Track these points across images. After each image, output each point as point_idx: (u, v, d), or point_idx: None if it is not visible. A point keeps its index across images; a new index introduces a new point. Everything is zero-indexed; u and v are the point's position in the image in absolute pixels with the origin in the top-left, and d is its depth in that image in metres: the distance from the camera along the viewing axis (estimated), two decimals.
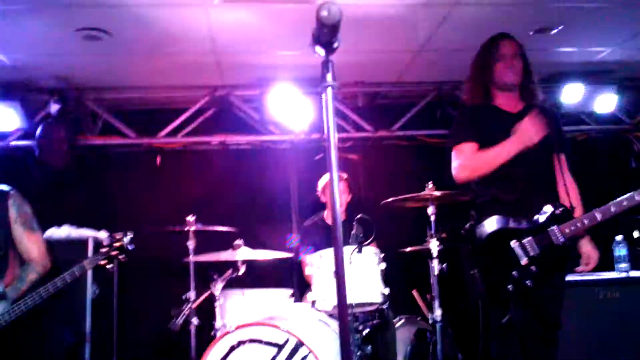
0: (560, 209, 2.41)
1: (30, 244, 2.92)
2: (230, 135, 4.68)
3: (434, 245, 3.34)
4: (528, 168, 2.50)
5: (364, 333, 3.26)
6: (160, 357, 4.37)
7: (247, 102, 4.66)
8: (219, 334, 3.38)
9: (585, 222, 2.32)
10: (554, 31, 3.80)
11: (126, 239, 2.83)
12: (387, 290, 3.13)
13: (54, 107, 4.26)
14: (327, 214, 4.33)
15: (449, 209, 3.57)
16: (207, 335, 3.59)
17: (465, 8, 3.45)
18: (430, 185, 3.40)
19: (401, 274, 3.93)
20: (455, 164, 2.62)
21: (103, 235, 4.08)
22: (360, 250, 2.97)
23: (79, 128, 4.49)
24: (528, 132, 2.43)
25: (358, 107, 4.64)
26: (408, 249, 3.79)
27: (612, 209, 2.28)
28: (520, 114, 2.55)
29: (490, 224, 2.45)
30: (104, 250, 2.82)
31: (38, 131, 4.25)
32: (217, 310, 3.40)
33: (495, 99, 2.66)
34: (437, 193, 3.36)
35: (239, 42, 3.83)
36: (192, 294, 3.58)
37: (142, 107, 4.72)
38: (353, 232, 3.01)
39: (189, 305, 3.45)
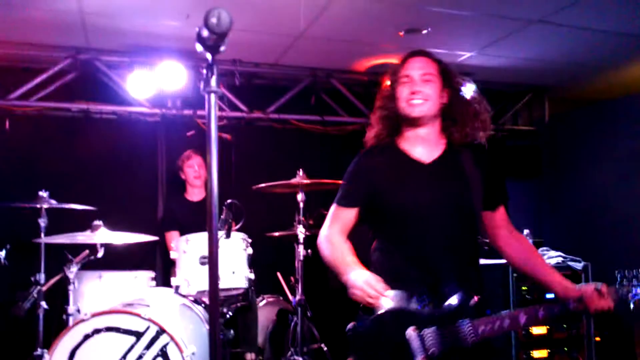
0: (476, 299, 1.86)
1: None
2: (93, 103, 4.33)
3: (300, 231, 3.44)
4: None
5: (227, 316, 3.29)
6: (2, 344, 3.99)
7: (114, 68, 4.33)
8: (71, 319, 3.18)
9: (505, 323, 1.85)
10: (424, 32, 4.03)
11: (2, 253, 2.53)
12: (252, 275, 3.18)
13: None
14: (189, 192, 4.29)
15: (316, 196, 3.68)
16: (57, 321, 3.36)
17: (343, 2, 3.52)
18: (301, 172, 3.46)
19: (268, 256, 3.99)
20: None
21: None
22: (228, 236, 2.96)
23: None
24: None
25: (234, 86, 4.54)
26: (276, 234, 3.86)
27: (540, 314, 1.86)
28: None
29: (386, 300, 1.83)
30: None
31: None
32: (71, 295, 3.18)
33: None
34: (307, 181, 3.44)
35: (109, 4, 3.53)
36: (41, 276, 3.31)
37: None
38: (222, 216, 2.98)
39: (38, 288, 3.18)
